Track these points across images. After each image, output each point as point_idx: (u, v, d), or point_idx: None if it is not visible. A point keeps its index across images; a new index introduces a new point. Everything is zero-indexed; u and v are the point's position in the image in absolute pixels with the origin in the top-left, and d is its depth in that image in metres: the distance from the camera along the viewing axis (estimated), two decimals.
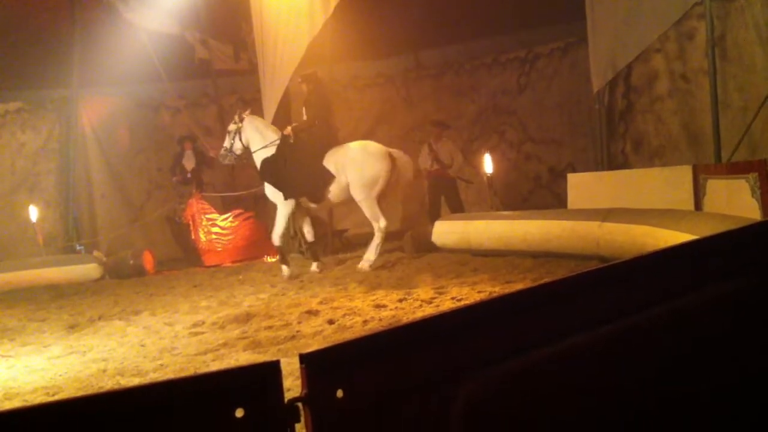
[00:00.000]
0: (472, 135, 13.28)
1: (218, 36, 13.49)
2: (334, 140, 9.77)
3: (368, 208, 9.38)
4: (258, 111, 10.96)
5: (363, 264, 9.27)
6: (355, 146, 9.58)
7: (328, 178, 9.41)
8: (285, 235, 10.03)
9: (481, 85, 13.37)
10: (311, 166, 9.45)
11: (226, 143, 10.13)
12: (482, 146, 12.88)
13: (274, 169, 9.68)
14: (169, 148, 13.43)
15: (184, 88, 14.05)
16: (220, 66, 13.82)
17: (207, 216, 11.95)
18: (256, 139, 9.89)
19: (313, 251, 10.03)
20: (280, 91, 10.81)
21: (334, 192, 9.48)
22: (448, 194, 11.45)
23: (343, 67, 13.09)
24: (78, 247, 12.53)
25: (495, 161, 11.25)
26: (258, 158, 9.88)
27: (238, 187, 12.99)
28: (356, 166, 9.32)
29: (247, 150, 9.99)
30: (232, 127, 10.14)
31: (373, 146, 9.57)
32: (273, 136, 9.83)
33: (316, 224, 10.48)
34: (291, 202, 9.71)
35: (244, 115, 10.11)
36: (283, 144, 9.72)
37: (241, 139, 9.97)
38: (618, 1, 9.36)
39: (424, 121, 12.83)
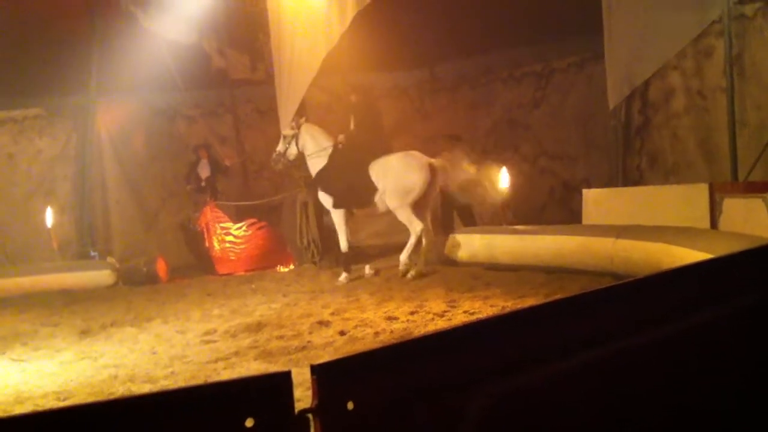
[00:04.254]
0: (486, 149, 13.26)
1: (235, 46, 13.56)
2: (382, 149, 9.92)
3: (403, 215, 9.50)
4: (274, 121, 11.02)
5: (402, 267, 9.36)
6: (396, 155, 9.72)
7: (373, 186, 9.57)
8: (350, 242, 10.09)
9: (496, 99, 13.36)
10: (357, 174, 9.59)
11: (280, 147, 10.30)
12: (496, 160, 12.86)
13: (326, 177, 9.85)
14: (185, 156, 13.48)
15: (201, 97, 14.13)
16: (236, 76, 13.89)
17: (221, 224, 11.97)
18: (311, 145, 10.07)
19: (347, 261, 10.05)
20: (297, 101, 10.85)
21: (379, 200, 9.63)
22: (461, 208, 11.43)
23: (358, 78, 13.11)
24: (92, 253, 12.57)
25: (509, 175, 11.23)
26: (312, 165, 10.04)
27: (253, 197, 13.02)
28: (394, 175, 9.46)
29: (299, 156, 10.15)
30: (288, 132, 10.28)
31: (413, 156, 9.67)
32: (327, 143, 10.01)
33: (330, 236, 10.52)
34: (342, 210, 9.86)
35: (301, 122, 10.26)
36: (336, 152, 9.88)
37: (297, 145, 10.13)
38: (636, 17, 9.34)
39: (439, 133, 12.83)
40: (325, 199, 10.03)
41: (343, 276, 9.71)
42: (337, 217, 9.94)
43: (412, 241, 9.45)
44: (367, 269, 9.91)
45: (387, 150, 10.01)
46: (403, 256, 9.43)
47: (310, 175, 10.30)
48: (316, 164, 10.02)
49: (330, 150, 9.92)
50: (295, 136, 10.16)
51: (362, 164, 9.62)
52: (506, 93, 13.23)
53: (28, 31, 11.92)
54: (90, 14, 12.82)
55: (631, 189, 9.86)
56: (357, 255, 11.30)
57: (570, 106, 12.29)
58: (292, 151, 10.18)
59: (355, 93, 10.17)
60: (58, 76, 12.58)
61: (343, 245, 9.94)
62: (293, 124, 10.28)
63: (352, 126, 10.05)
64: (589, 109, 11.74)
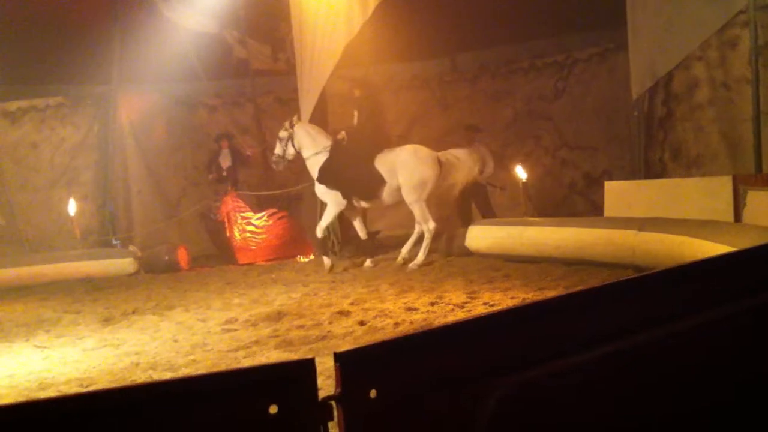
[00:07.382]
0: (507, 140, 13.21)
1: (257, 36, 13.59)
2: (385, 143, 10.08)
3: (418, 210, 9.64)
4: (295, 111, 11.06)
5: (412, 265, 9.46)
6: (405, 150, 9.82)
7: (380, 179, 9.67)
8: (327, 230, 10.41)
9: (517, 90, 13.31)
10: (363, 167, 9.70)
11: (278, 150, 10.40)
12: (517, 151, 12.81)
13: (331, 173, 9.93)
14: (206, 146, 13.56)
15: (222, 87, 14.21)
16: (257, 65, 13.93)
17: (242, 214, 12.02)
18: (309, 144, 10.16)
19: (367, 247, 10.34)
20: (317, 91, 10.87)
21: (386, 193, 9.77)
22: (478, 199, 11.41)
23: (378, 69, 13.11)
24: (114, 242, 12.68)
25: (529, 166, 11.19)
26: (312, 163, 10.13)
27: (273, 187, 13.07)
28: (407, 170, 9.57)
29: (298, 155, 10.28)
30: (283, 134, 10.38)
31: (423, 151, 9.79)
32: (325, 141, 10.13)
33: (350, 226, 10.60)
34: (343, 202, 9.98)
35: (294, 122, 10.35)
36: (337, 147, 9.99)
37: (293, 145, 10.22)
38: (659, 8, 9.25)
39: (459, 124, 12.79)
40: (323, 192, 10.13)
41: (326, 260, 9.91)
42: (334, 207, 10.06)
43: (426, 241, 9.60)
44: (368, 262, 10.01)
45: (389, 143, 10.15)
46: (420, 257, 9.56)
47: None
48: (316, 162, 10.08)
49: (329, 147, 10.02)
50: (291, 137, 10.25)
51: (367, 157, 9.74)
52: (527, 84, 13.17)
53: (50, 20, 12.01)
54: (112, 3, 12.91)
55: (654, 181, 9.78)
56: (380, 246, 11.38)
57: (592, 97, 12.23)
58: (290, 152, 10.29)
59: (358, 87, 10.28)
60: (81, 65, 12.68)
61: (319, 232, 10.19)
62: (287, 124, 10.37)
63: (355, 120, 10.12)
64: (611, 100, 11.67)
